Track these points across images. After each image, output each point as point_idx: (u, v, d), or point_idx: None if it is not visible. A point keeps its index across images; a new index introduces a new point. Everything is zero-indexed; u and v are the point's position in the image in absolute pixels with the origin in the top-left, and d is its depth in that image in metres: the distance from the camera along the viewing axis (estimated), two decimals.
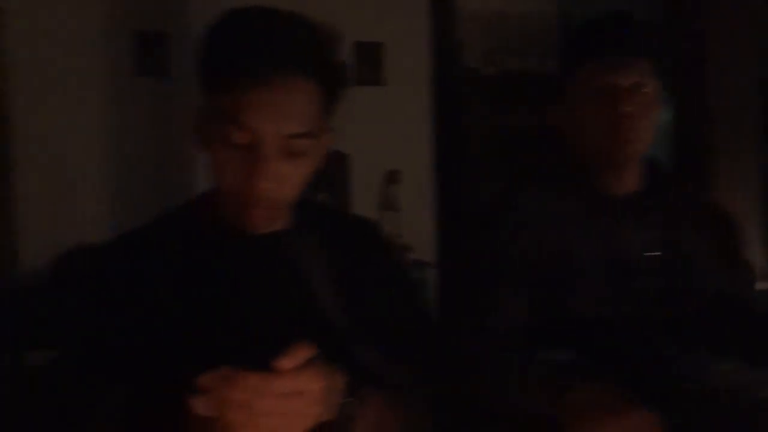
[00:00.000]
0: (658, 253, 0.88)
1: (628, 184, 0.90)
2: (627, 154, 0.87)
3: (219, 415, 0.51)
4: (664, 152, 2.26)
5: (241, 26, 0.64)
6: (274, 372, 0.51)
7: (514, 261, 0.86)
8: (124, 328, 0.64)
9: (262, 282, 0.67)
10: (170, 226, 0.71)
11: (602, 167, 0.89)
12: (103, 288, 0.67)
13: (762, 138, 2.33)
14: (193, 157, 2.07)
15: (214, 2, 2.07)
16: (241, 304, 0.66)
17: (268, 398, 0.51)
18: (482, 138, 2.40)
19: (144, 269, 0.67)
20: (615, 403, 0.73)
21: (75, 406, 0.65)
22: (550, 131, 0.93)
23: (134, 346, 0.63)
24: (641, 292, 0.87)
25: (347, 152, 2.03)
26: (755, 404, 0.79)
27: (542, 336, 0.85)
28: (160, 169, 2.00)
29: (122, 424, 0.62)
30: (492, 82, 2.42)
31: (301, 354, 0.53)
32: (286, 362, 0.52)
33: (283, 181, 0.64)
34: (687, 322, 0.87)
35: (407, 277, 0.80)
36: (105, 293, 0.67)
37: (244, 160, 0.62)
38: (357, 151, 2.06)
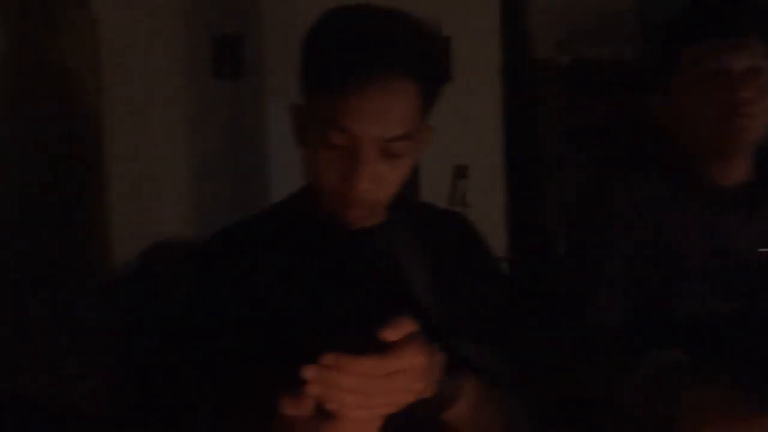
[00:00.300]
0: None
1: (737, 174, 0.85)
2: (741, 142, 0.82)
3: (329, 401, 0.52)
4: None
5: (341, 27, 0.65)
6: (377, 347, 0.52)
7: (616, 255, 0.83)
8: (223, 319, 0.67)
9: (359, 276, 0.69)
10: (270, 221, 0.73)
11: (711, 157, 0.84)
12: (205, 279, 0.71)
13: None
14: (267, 155, 2.14)
15: (288, 4, 2.12)
16: (338, 298, 0.67)
17: (377, 380, 0.52)
18: (555, 130, 2.32)
19: (243, 263, 0.69)
20: (740, 406, 0.69)
21: (172, 400, 0.69)
22: (638, 120, 0.89)
23: (233, 338, 0.66)
24: (753, 290, 0.81)
25: None
26: None
27: (648, 334, 0.82)
28: (236, 167, 2.08)
29: (217, 417, 0.65)
30: (565, 73, 2.33)
31: (404, 328, 0.53)
32: (391, 333, 0.52)
33: (381, 182, 0.65)
34: None
35: (500, 270, 0.80)
36: (206, 285, 0.70)
37: (342, 162, 0.63)
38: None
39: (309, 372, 0.51)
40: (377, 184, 0.64)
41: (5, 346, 1.10)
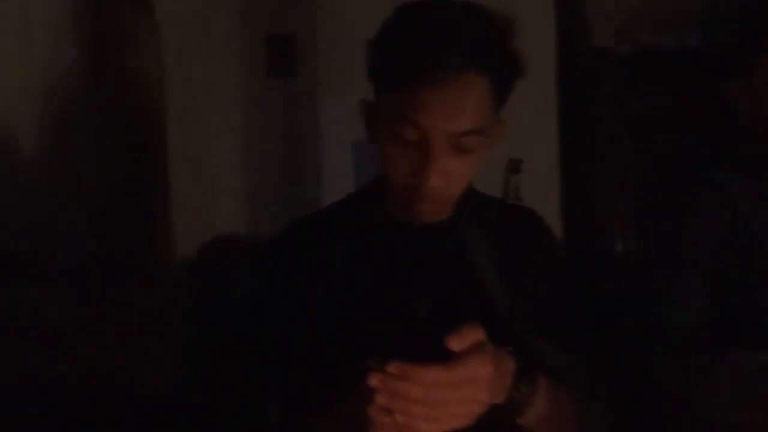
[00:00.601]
0: None
1: None
2: None
3: (395, 411, 0.51)
4: None
5: (412, 21, 0.65)
6: (444, 358, 0.51)
7: (694, 253, 0.79)
8: (291, 312, 0.68)
9: (428, 271, 0.69)
10: (340, 214, 0.74)
11: None
12: (275, 271, 0.72)
13: None
14: (320, 153, 2.18)
15: (340, 4, 2.12)
16: (407, 293, 0.67)
17: (444, 390, 0.51)
18: (613, 123, 2.25)
19: (312, 256, 0.70)
20: None
21: (240, 390, 0.71)
22: (706, 109, 0.85)
23: (298, 332, 0.67)
24: None
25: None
26: None
27: (733, 335, 0.78)
28: (289, 164, 2.13)
29: (285, 408, 0.66)
30: (625, 62, 2.25)
31: (470, 335, 0.52)
32: (456, 343, 0.51)
33: (452, 177, 0.64)
34: None
35: (571, 268, 0.77)
36: (276, 277, 0.71)
37: (413, 157, 0.63)
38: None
39: (375, 380, 0.51)
40: (447, 179, 0.64)
41: (77, 336, 1.16)
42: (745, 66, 0.81)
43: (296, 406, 0.66)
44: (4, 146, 1.49)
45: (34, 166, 1.56)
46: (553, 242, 0.76)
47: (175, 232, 1.77)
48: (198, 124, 1.93)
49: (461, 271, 0.69)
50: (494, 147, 0.68)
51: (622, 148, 2.18)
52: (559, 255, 0.76)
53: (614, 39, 2.29)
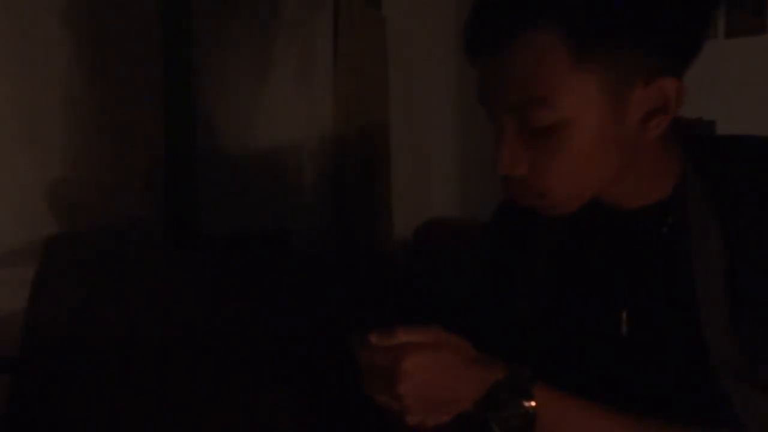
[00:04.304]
0: None
1: None
2: None
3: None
4: None
5: None
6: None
7: None
8: (496, 289, 0.69)
9: (630, 267, 0.59)
10: None
11: None
12: (488, 249, 0.72)
13: None
14: None
15: None
16: (603, 298, 0.60)
17: (365, 363, 0.56)
18: None
19: (515, 236, 0.69)
20: None
21: None
22: None
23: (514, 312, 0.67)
24: None
25: (712, 118, 1.80)
26: None
27: None
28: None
29: None
30: None
31: (399, 337, 0.54)
32: (374, 338, 0.54)
33: (537, 165, 0.54)
34: None
35: None
36: (488, 254, 0.72)
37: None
38: (724, 117, 1.80)
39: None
40: (532, 168, 0.54)
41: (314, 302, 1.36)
42: None
43: None
44: (235, 143, 1.81)
45: (277, 156, 1.88)
46: None
47: (395, 213, 1.95)
48: (416, 112, 2.09)
49: (671, 272, 0.55)
50: (664, 121, 0.54)
51: None
52: None
53: None
